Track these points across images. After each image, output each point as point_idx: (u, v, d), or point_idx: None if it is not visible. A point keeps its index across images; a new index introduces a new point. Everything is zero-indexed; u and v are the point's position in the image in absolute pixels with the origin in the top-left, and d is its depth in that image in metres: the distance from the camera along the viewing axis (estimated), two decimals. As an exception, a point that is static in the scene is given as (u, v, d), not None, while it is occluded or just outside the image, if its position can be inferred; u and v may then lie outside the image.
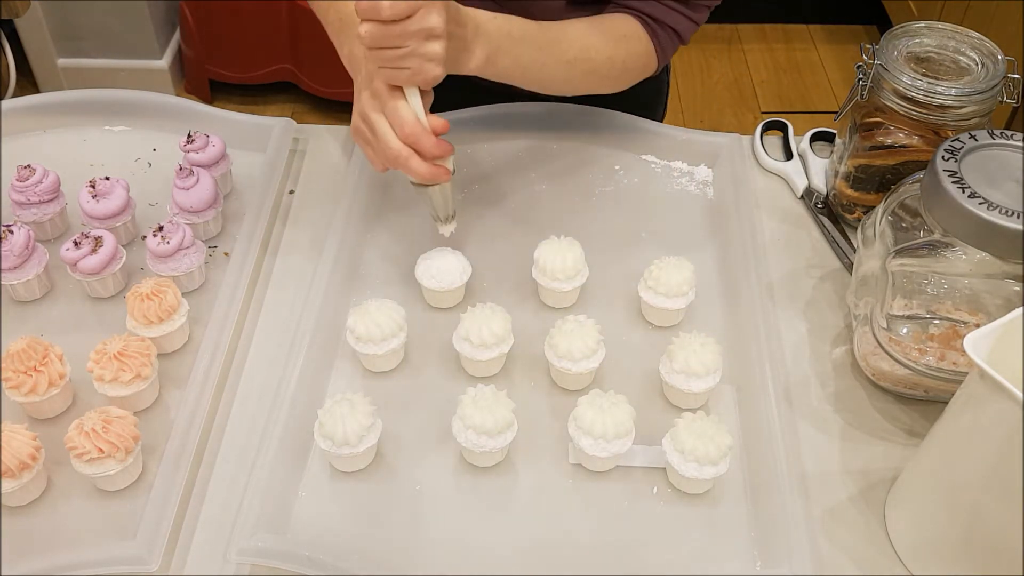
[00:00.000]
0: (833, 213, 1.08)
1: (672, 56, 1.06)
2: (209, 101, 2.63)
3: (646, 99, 1.18)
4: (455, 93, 1.18)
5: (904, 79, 0.95)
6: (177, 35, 2.69)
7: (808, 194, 1.11)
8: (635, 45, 1.01)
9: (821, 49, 3.01)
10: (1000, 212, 0.77)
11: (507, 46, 0.91)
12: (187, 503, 0.82)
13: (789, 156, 1.15)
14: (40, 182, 1.00)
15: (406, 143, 0.86)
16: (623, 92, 1.08)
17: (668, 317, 0.96)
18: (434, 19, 0.81)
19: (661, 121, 1.24)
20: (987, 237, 0.79)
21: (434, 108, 1.03)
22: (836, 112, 1.06)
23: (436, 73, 0.84)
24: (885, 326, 0.86)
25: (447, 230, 0.96)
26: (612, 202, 1.10)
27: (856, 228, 0.97)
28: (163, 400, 0.90)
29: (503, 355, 0.91)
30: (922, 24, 1.00)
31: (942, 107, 0.94)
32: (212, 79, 2.67)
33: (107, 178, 1.01)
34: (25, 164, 1.01)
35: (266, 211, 1.03)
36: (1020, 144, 0.83)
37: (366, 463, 0.85)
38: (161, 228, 0.96)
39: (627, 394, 0.85)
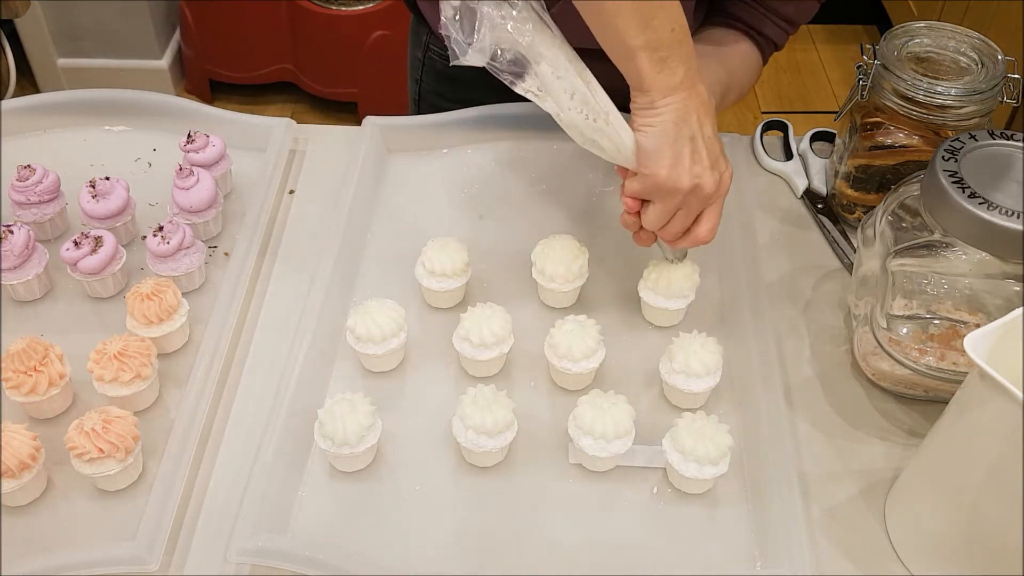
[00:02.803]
0: (833, 213, 1.08)
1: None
2: (209, 101, 2.64)
3: None
4: (466, 90, 1.18)
5: (904, 79, 0.95)
6: (177, 35, 2.69)
7: (808, 194, 1.11)
8: (756, 74, 1.08)
9: (821, 49, 3.01)
10: (1000, 212, 0.77)
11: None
12: (187, 503, 0.82)
13: (789, 156, 1.15)
14: (40, 182, 1.00)
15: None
16: None
17: (668, 317, 0.96)
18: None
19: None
20: (987, 237, 0.79)
21: (437, 107, 1.03)
22: (836, 112, 1.06)
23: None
24: (885, 326, 0.86)
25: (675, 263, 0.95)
26: (612, 202, 1.10)
27: (856, 228, 0.97)
28: (163, 400, 0.90)
29: (503, 355, 0.91)
30: (922, 24, 1.00)
31: (942, 107, 0.94)
32: (212, 79, 2.67)
33: (107, 178, 1.01)
34: (25, 164, 1.01)
35: (266, 211, 1.03)
36: (1020, 144, 0.83)
37: (366, 463, 0.85)
38: (161, 228, 0.96)
39: (627, 394, 0.85)
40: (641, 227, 0.90)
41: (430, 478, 0.85)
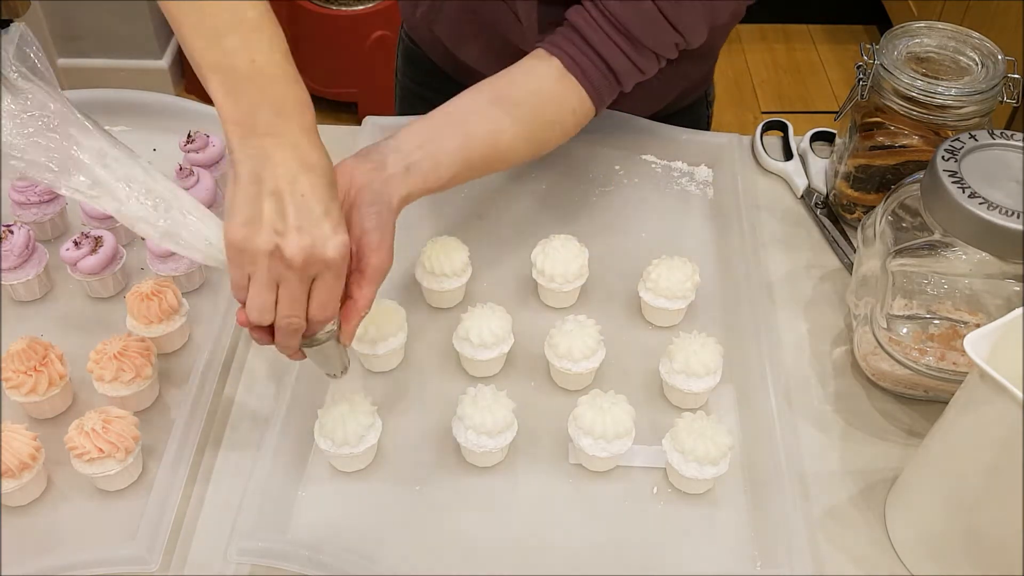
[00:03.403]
0: (833, 213, 1.08)
1: (610, 101, 0.93)
2: (209, 101, 2.63)
3: (691, 118, 1.18)
4: (422, 73, 1.19)
5: (904, 79, 0.95)
6: (177, 35, 2.69)
7: (808, 194, 1.11)
8: (567, 120, 0.91)
9: (821, 49, 3.01)
10: (1000, 212, 0.77)
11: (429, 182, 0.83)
12: (187, 503, 0.82)
13: (789, 156, 1.15)
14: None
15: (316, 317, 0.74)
16: (665, 108, 1.11)
17: (668, 317, 0.96)
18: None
19: (708, 128, 1.23)
20: (987, 237, 0.79)
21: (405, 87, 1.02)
22: (836, 112, 1.06)
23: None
24: (885, 326, 0.86)
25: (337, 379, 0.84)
26: (612, 202, 1.10)
27: (856, 228, 0.97)
28: (163, 400, 0.90)
29: (503, 355, 0.91)
30: (922, 24, 1.00)
31: (942, 107, 0.94)
32: (212, 79, 2.67)
33: (107, 178, 1.01)
34: (25, 164, 1.01)
35: (266, 211, 1.03)
36: (1020, 144, 0.83)
37: (366, 463, 0.85)
38: (161, 228, 0.95)
39: (627, 394, 0.85)
40: (263, 334, 0.75)
41: (430, 478, 0.85)
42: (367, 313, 0.78)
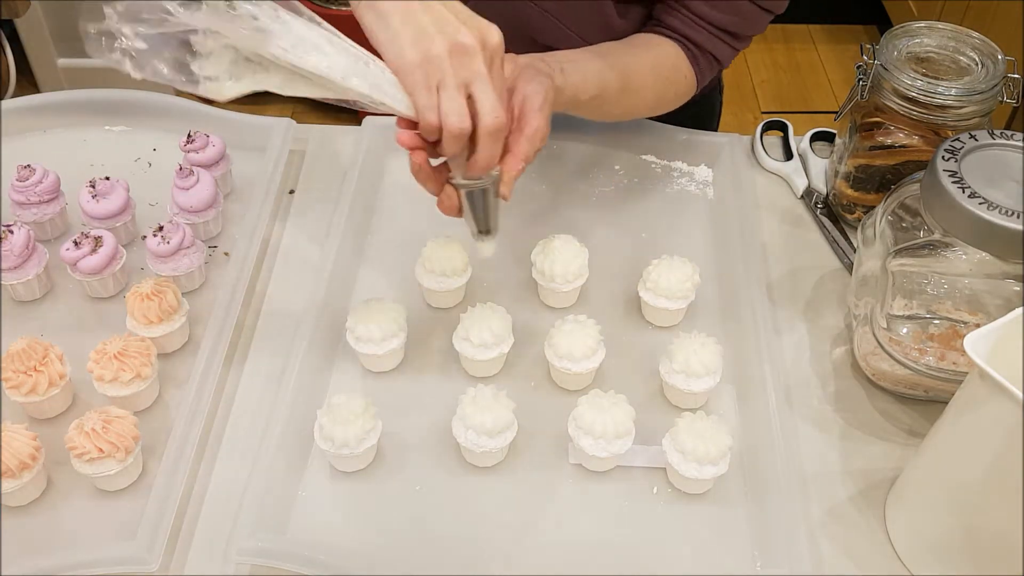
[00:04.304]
0: (833, 213, 1.08)
1: (708, 81, 1.04)
2: (209, 101, 2.63)
3: (701, 118, 1.19)
4: None
5: (904, 79, 0.95)
6: (177, 35, 2.69)
7: (808, 194, 1.11)
8: (680, 84, 1.02)
9: (821, 49, 3.01)
10: (1000, 212, 0.77)
11: (581, 94, 0.91)
12: (187, 503, 0.82)
13: (789, 156, 1.15)
14: (40, 182, 1.00)
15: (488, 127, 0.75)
16: (677, 112, 1.11)
17: (668, 317, 0.96)
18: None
19: (720, 116, 1.25)
20: (987, 237, 0.79)
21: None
22: (836, 112, 1.06)
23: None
24: (885, 326, 0.86)
25: (486, 248, 0.85)
26: (612, 202, 1.10)
27: (856, 228, 0.97)
28: (163, 400, 0.90)
29: (503, 355, 0.91)
30: (922, 24, 1.00)
31: (942, 107, 0.94)
32: (212, 79, 2.66)
33: (107, 178, 1.01)
34: (25, 164, 1.01)
35: (266, 211, 1.03)
36: (1020, 144, 0.83)
37: (366, 463, 0.85)
38: (161, 228, 0.96)
39: (627, 394, 0.85)
40: (432, 173, 0.79)
41: (430, 478, 0.85)
42: (524, 168, 0.80)
